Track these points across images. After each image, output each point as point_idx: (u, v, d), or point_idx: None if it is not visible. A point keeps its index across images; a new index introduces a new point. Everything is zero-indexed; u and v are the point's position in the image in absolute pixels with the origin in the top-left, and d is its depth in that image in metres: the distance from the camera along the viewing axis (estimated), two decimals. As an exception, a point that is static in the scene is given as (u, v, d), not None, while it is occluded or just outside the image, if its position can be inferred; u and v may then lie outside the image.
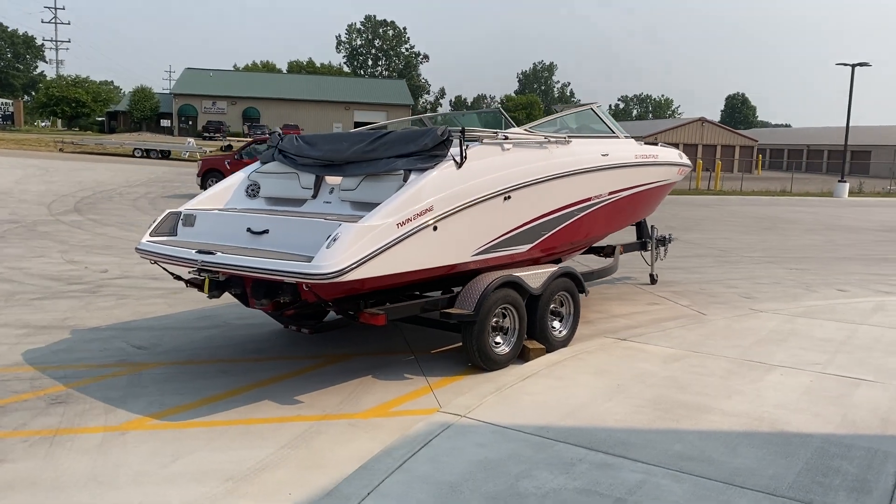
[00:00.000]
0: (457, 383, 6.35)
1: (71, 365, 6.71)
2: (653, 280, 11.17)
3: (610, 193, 8.09)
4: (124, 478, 4.51)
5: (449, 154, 6.25)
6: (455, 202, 6.12)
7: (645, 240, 11.03)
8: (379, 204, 6.32)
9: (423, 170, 6.15)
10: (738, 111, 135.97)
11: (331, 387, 6.24)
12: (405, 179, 6.18)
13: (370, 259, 5.45)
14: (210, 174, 24.09)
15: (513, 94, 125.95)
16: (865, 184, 42.85)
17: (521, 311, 6.82)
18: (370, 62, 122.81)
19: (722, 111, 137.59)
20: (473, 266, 6.62)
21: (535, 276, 6.97)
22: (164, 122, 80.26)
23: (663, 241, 11.21)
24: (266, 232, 6.31)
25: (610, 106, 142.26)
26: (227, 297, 6.66)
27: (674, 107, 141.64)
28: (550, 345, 7.09)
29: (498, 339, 6.74)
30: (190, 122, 79.01)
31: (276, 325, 8.20)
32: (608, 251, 10.11)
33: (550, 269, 7.23)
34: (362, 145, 6.64)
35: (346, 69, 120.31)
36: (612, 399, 5.61)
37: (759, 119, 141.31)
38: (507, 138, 6.84)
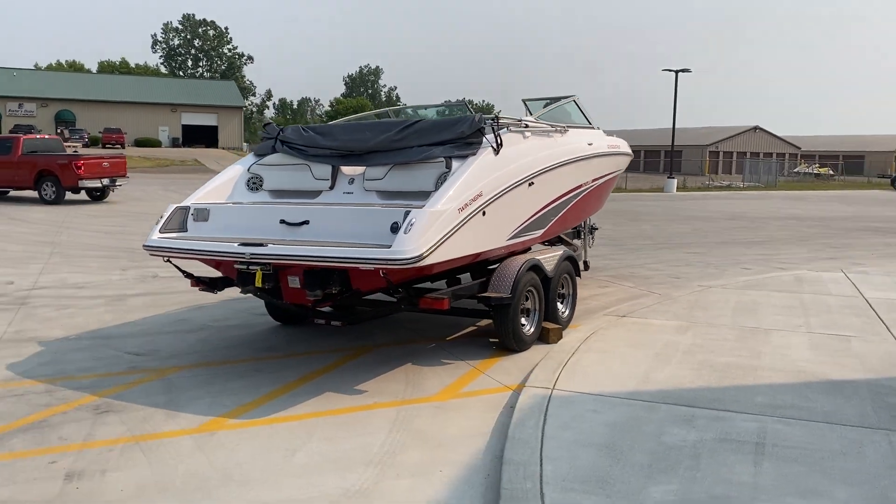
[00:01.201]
0: (499, 364, 6.52)
1: (79, 376, 6.17)
2: (586, 266, 11.81)
3: (593, 180, 8.58)
4: (258, 473, 4.32)
5: (485, 140, 6.41)
6: (497, 187, 6.30)
7: (579, 228, 11.67)
8: (413, 192, 6.39)
9: (465, 156, 6.28)
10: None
11: (381, 376, 6.19)
12: (448, 167, 6.27)
13: (442, 243, 5.53)
14: None
15: (341, 97, 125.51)
16: (685, 180, 47.21)
17: (540, 293, 7.11)
18: (190, 63, 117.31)
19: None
20: (503, 251, 6.82)
21: (549, 260, 7.29)
22: (-39, 126, 72.07)
23: (592, 230, 11.93)
24: (306, 223, 6.17)
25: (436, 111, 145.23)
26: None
27: (496, 111, 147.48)
28: (560, 325, 7.44)
29: (523, 320, 6.98)
30: (-8, 127, 71.55)
31: (266, 324, 7.94)
32: (553, 240, 10.61)
33: (558, 252, 7.58)
34: (390, 134, 6.63)
35: (163, 70, 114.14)
36: (668, 364, 6.05)
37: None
38: (527, 126, 7.10)
